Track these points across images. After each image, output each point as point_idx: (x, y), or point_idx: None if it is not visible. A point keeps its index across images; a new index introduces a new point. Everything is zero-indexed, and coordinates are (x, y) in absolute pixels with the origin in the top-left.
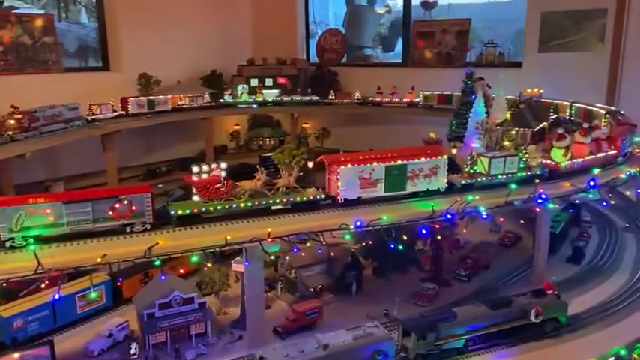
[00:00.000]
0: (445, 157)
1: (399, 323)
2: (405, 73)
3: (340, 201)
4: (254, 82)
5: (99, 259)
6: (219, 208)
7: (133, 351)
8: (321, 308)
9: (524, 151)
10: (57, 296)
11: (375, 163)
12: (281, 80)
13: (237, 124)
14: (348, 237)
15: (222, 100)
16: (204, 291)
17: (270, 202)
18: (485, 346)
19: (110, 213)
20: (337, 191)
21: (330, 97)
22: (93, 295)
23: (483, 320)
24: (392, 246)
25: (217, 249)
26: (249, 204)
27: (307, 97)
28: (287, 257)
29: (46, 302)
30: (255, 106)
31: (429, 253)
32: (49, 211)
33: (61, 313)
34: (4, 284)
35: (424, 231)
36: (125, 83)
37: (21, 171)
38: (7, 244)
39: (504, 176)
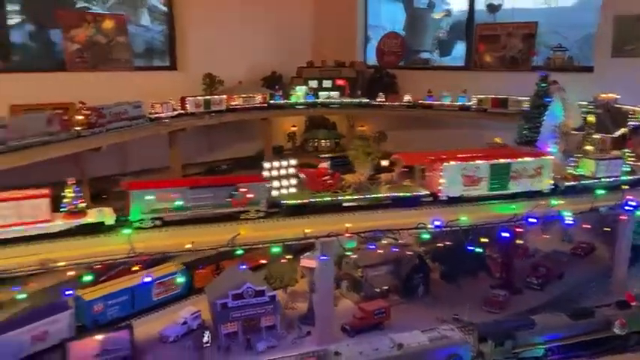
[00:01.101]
0: (551, 158)
1: (474, 328)
2: (465, 76)
3: (442, 198)
4: (313, 83)
5: (188, 246)
6: (326, 199)
7: (205, 339)
8: (388, 309)
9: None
10: (148, 279)
11: (478, 161)
12: (339, 82)
13: (294, 125)
14: (425, 236)
15: (274, 101)
16: (273, 285)
17: (374, 196)
18: (566, 357)
19: (229, 200)
20: (438, 188)
21: (379, 99)
22: (179, 280)
23: (563, 330)
24: (466, 249)
25: (295, 242)
26: (355, 197)
27: (358, 100)
28: (354, 255)
29: (125, 288)
30: (307, 107)
31: (498, 259)
32: (176, 195)
33: (139, 299)
34: (98, 266)
35: (505, 235)
36: (191, 83)
37: (93, 165)
38: (136, 224)
39: (609, 179)
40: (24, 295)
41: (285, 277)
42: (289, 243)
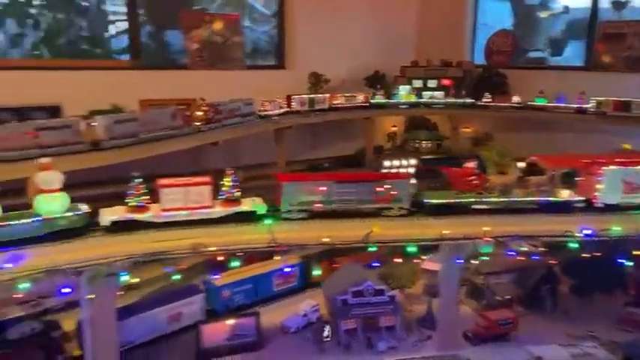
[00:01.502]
0: None
1: (618, 347)
2: (582, 77)
3: (598, 205)
4: (417, 83)
5: (325, 239)
6: (471, 200)
7: (325, 334)
8: (515, 319)
9: None
10: (287, 269)
11: None
12: (445, 82)
13: (394, 125)
14: (574, 245)
15: (375, 101)
16: (390, 285)
17: (524, 199)
18: None
19: (372, 196)
20: (595, 194)
21: (485, 99)
22: (316, 272)
23: None
24: (604, 262)
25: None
26: (500, 199)
27: (462, 100)
28: (476, 261)
29: (250, 277)
30: (409, 107)
31: (634, 275)
32: (323, 189)
33: (261, 288)
34: (241, 254)
35: None
36: (297, 81)
37: (207, 158)
38: (285, 215)
39: None
40: (178, 276)
41: (402, 278)
42: (424, 243)
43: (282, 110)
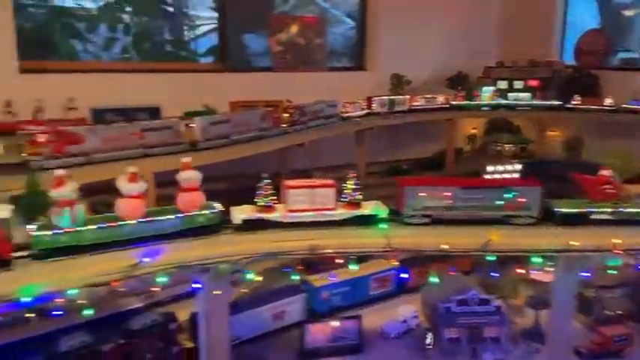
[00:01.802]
0: None
1: None
2: None
3: None
4: (502, 84)
5: (444, 246)
6: (606, 210)
7: (428, 341)
8: (631, 336)
9: None
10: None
11: None
12: (532, 83)
13: (474, 128)
14: None
15: (456, 102)
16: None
17: None
18: None
19: (500, 203)
20: None
21: (575, 102)
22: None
23: None
24: None
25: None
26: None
27: (549, 102)
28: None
29: (349, 279)
30: (491, 109)
31: None
32: (447, 194)
33: (359, 291)
34: (353, 257)
35: None
36: (378, 83)
37: (290, 159)
38: (407, 220)
39: None
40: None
41: (506, 288)
42: (550, 254)
43: (363, 112)
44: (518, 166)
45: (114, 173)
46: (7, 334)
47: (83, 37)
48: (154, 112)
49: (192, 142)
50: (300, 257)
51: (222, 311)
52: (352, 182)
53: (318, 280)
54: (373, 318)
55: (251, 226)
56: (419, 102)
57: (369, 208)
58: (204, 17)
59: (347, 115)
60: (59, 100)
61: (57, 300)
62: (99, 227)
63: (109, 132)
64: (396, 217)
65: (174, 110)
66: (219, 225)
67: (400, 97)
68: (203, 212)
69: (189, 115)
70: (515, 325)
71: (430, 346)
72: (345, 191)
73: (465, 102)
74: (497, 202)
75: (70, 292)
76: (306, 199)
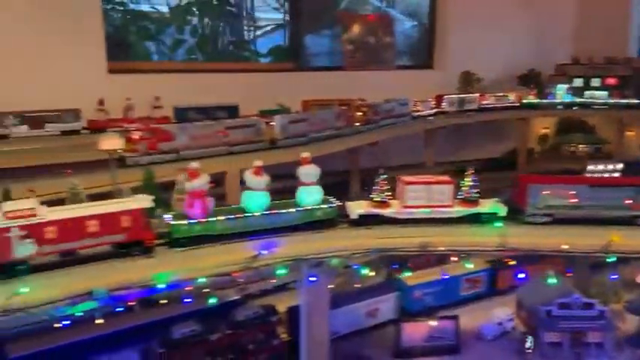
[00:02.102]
0: None
1: None
2: None
3: None
4: (577, 82)
5: (565, 246)
6: None
7: (528, 345)
8: None
9: None
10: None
11: None
12: (610, 81)
13: (546, 127)
14: None
15: (528, 101)
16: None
17: None
18: None
19: (626, 202)
20: None
21: None
22: (553, 281)
23: None
24: None
25: None
26: None
27: (626, 101)
28: None
29: (441, 279)
30: (564, 107)
31: None
32: (572, 192)
33: (450, 292)
34: (463, 256)
35: None
36: (445, 81)
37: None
38: (529, 219)
39: None
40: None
41: (606, 291)
42: None
43: (433, 110)
44: (620, 165)
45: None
46: (127, 319)
47: (156, 38)
48: (232, 111)
49: (271, 140)
50: (409, 254)
51: (324, 305)
52: (470, 179)
53: (411, 278)
54: (464, 319)
55: (367, 221)
56: (489, 100)
57: (487, 205)
58: (268, 19)
59: (417, 114)
60: (144, 99)
61: (187, 288)
62: (227, 218)
63: (197, 130)
64: (515, 215)
65: (249, 109)
66: (335, 219)
67: (470, 95)
68: (322, 206)
69: (265, 113)
70: (618, 331)
71: (530, 350)
72: (463, 188)
73: (537, 100)
74: (626, 202)
75: (200, 280)
76: (423, 195)
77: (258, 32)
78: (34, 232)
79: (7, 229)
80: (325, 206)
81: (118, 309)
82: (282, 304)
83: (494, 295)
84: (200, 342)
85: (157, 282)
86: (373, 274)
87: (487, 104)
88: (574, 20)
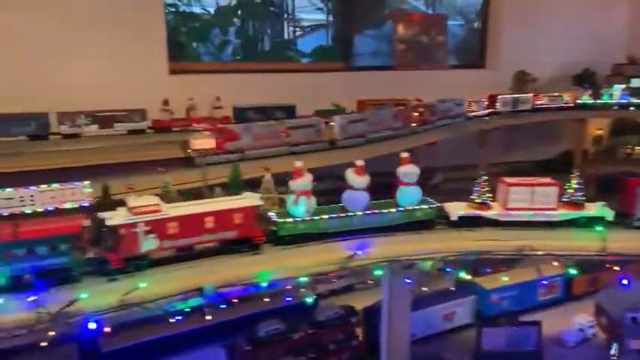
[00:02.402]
0: None
1: None
2: None
3: None
4: (636, 82)
5: None
6: None
7: (613, 352)
8: None
9: None
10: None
11: None
12: None
13: (599, 128)
14: None
15: (582, 101)
16: None
17: None
18: None
19: None
20: None
21: None
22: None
23: None
24: None
25: None
26: None
27: None
28: None
29: (517, 283)
30: (620, 109)
31: None
32: None
33: (526, 296)
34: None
35: None
36: (498, 81)
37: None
38: (636, 224)
39: None
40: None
41: None
42: None
43: (486, 111)
44: None
45: (262, 171)
46: (217, 316)
47: (205, 39)
48: (290, 111)
49: (331, 140)
50: (505, 257)
51: (407, 308)
52: (575, 182)
53: (487, 282)
54: (543, 325)
55: (467, 222)
56: (543, 100)
57: (593, 209)
58: (313, 19)
59: (472, 114)
60: (201, 99)
61: (287, 286)
62: (331, 217)
63: (261, 130)
64: (622, 219)
65: (302, 109)
66: (434, 220)
67: (524, 95)
68: (422, 207)
69: (321, 113)
70: None
71: (615, 357)
72: (569, 191)
73: (592, 101)
74: None
75: (301, 279)
76: (527, 197)
77: (301, 32)
78: (157, 227)
79: (134, 225)
80: (425, 207)
81: (221, 305)
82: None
83: (571, 301)
84: (284, 340)
85: (259, 280)
86: (466, 276)
87: (541, 104)
88: (631, 19)
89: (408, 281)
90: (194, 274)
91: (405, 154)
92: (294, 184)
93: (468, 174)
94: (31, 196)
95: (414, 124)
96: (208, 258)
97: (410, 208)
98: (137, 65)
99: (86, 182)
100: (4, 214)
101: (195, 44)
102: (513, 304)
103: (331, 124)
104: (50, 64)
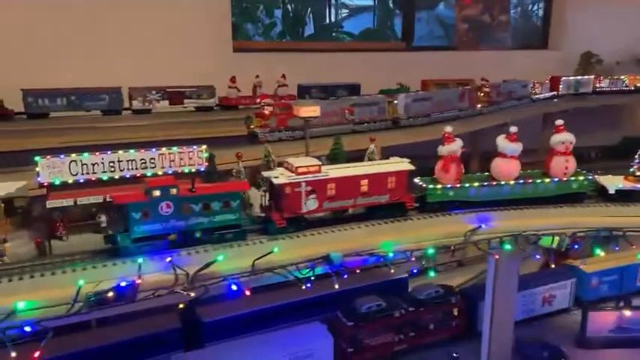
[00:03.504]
0: None
1: None
2: None
3: None
4: None
5: None
6: None
7: None
8: None
9: None
10: None
11: None
12: None
13: None
14: None
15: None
16: None
17: None
18: None
19: None
20: None
21: None
22: None
23: None
24: None
25: None
26: None
27: None
28: None
29: (617, 267)
30: None
31: None
32: None
33: (626, 281)
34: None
35: None
36: (561, 62)
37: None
38: None
39: None
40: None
41: None
42: None
43: (550, 93)
44: None
45: (324, 149)
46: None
47: (256, 19)
48: (354, 89)
49: (394, 119)
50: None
51: (513, 289)
52: None
53: (587, 265)
54: None
55: (623, 196)
56: (602, 83)
57: None
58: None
59: (536, 96)
60: (265, 77)
61: (412, 258)
62: (482, 185)
63: (325, 107)
64: None
65: (366, 89)
66: (586, 193)
67: (585, 77)
68: (578, 178)
69: (386, 92)
70: None
71: None
72: None
73: None
74: None
75: (429, 250)
76: None
77: (347, 14)
78: (317, 188)
79: (298, 184)
80: (582, 178)
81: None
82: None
83: None
84: (384, 317)
85: (382, 248)
86: (601, 253)
87: (601, 87)
88: None
89: (538, 257)
90: (346, 238)
91: (559, 121)
92: (444, 149)
93: (528, 159)
94: (152, 158)
95: (479, 105)
96: (356, 222)
97: (565, 179)
98: (203, 42)
99: (203, 146)
100: (127, 175)
101: (247, 24)
102: (612, 288)
103: (395, 102)
104: (121, 39)
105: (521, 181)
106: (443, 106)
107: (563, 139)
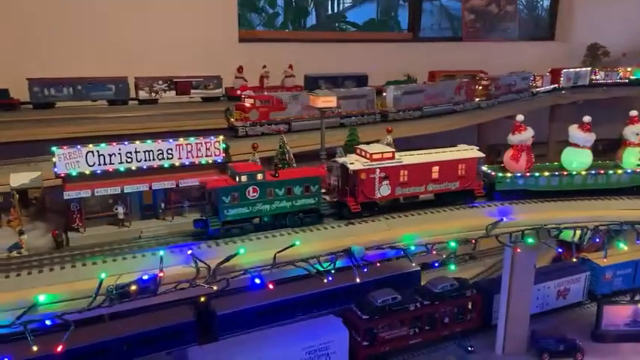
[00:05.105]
0: None
1: None
2: None
3: None
4: None
5: None
6: None
7: None
8: None
9: None
10: None
11: None
12: None
13: None
14: None
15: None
16: None
17: None
18: None
19: None
20: None
21: None
22: None
23: None
24: None
25: None
26: None
27: None
28: None
29: (631, 260)
30: None
31: None
32: None
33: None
34: None
35: None
36: (567, 54)
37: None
38: None
39: None
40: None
41: None
42: None
43: (552, 86)
44: None
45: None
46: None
47: (260, 9)
48: (362, 80)
49: (382, 112)
50: None
51: (530, 282)
52: None
53: (602, 259)
54: None
55: None
56: (598, 76)
57: None
58: None
59: (537, 89)
60: (271, 67)
61: (435, 252)
62: (552, 175)
63: (308, 100)
64: None
65: (375, 79)
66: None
67: (583, 69)
68: None
69: (390, 84)
70: None
71: None
72: None
73: None
74: None
75: (451, 244)
76: None
77: (350, 4)
78: (391, 174)
79: (373, 170)
80: None
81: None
82: None
83: None
84: (399, 311)
85: (403, 241)
86: (624, 247)
87: (597, 80)
88: None
89: (560, 250)
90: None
91: (633, 113)
92: (515, 138)
93: (537, 151)
94: (169, 149)
95: (477, 99)
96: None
97: (639, 170)
98: (209, 31)
99: (220, 137)
100: (144, 167)
101: (250, 14)
102: (625, 282)
103: (383, 95)
104: (127, 27)
105: (593, 172)
106: (437, 99)
107: (637, 130)
